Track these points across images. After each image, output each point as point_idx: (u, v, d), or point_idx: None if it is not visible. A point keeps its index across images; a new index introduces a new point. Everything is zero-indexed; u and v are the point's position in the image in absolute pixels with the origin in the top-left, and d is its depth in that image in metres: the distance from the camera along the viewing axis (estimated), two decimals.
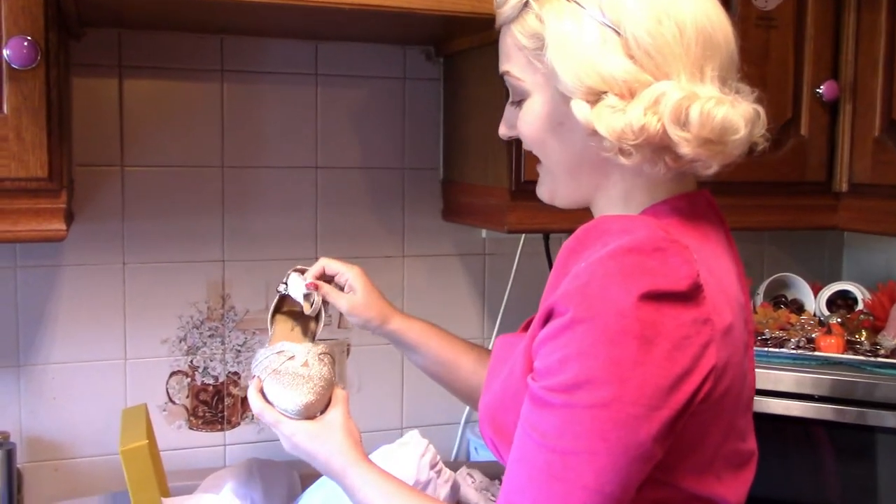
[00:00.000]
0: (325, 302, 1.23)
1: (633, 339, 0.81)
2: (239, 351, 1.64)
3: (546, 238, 1.74)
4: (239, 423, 1.66)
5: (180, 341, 1.61)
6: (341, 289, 1.24)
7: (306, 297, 1.20)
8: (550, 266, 1.79)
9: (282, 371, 1.09)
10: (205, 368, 1.63)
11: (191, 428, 1.63)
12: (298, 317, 1.26)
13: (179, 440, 1.62)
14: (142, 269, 1.58)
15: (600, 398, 0.81)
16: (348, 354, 1.71)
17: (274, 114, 1.63)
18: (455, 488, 1.26)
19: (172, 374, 1.61)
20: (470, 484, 1.35)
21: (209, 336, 1.62)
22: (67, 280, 1.54)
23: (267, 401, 1.08)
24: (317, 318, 1.24)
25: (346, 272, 1.25)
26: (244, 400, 1.65)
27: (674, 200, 0.95)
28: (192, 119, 1.58)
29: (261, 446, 1.67)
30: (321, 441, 1.04)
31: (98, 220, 1.54)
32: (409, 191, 1.73)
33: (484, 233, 1.78)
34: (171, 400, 1.61)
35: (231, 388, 1.64)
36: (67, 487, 1.55)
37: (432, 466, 1.23)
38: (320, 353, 1.11)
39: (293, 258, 1.66)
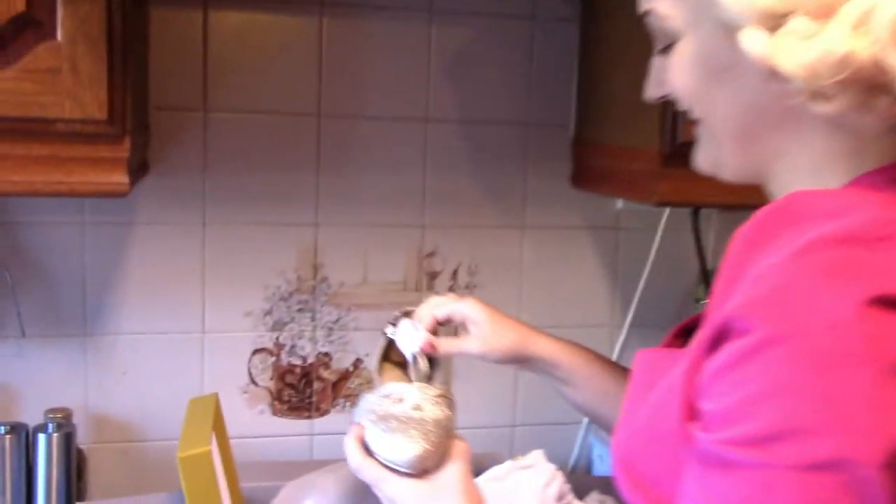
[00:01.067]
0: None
1: (859, 364, 0.56)
2: (331, 329, 1.43)
3: (695, 213, 1.47)
4: (329, 411, 1.45)
5: (265, 315, 1.41)
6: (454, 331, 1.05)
7: (414, 360, 1.00)
8: (699, 246, 1.53)
9: (388, 415, 0.89)
10: (292, 347, 1.42)
11: (274, 414, 1.43)
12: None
13: (261, 427, 1.43)
14: (224, 231, 1.37)
15: (813, 455, 0.56)
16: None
17: (380, 56, 1.40)
18: None
19: (256, 351, 1.41)
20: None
21: (298, 310, 1.42)
22: (140, 240, 1.35)
23: (369, 452, 0.89)
24: (431, 362, 1.03)
25: (462, 309, 1.03)
26: (336, 384, 1.44)
27: (893, 168, 0.68)
28: (286, 59, 1.36)
29: None
30: None
31: (176, 173, 1.35)
32: (533, 151, 1.48)
33: (619, 203, 1.52)
34: (253, 381, 1.41)
35: (321, 370, 1.44)
36: (136, 474, 1.38)
37: (559, 499, 0.99)
38: (436, 396, 0.92)
39: (396, 224, 1.43)
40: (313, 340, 1.43)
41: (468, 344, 1.01)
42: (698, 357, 0.64)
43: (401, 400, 0.90)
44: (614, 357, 1.54)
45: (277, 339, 1.42)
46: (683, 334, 0.88)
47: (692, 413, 0.64)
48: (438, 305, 1.03)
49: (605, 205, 1.52)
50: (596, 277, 1.54)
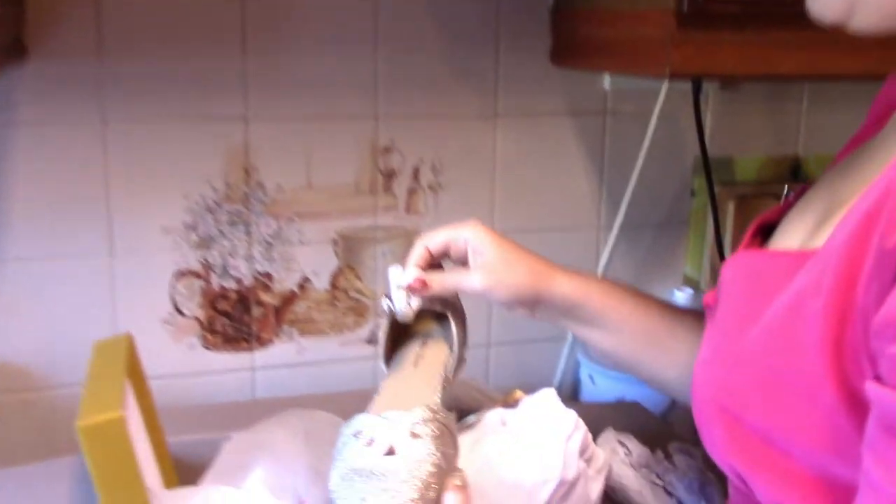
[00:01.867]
0: (449, 309, 0.83)
1: None
2: (270, 244, 1.19)
3: (697, 88, 1.24)
4: (272, 341, 1.22)
5: (188, 230, 1.16)
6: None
7: (394, 312, 0.81)
8: (701, 130, 1.31)
9: (352, 472, 0.67)
10: (224, 268, 1.18)
11: (207, 347, 1.20)
12: (427, 340, 0.86)
13: (191, 364, 1.20)
14: (130, 130, 1.11)
15: None
16: None
17: None
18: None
19: (179, 275, 1.17)
20: (623, 458, 0.90)
21: (229, 223, 1.17)
22: (22, 144, 1.08)
23: None
24: (447, 338, 0.84)
25: (461, 234, 0.81)
26: (279, 310, 1.21)
27: None
28: None
29: (304, 372, 1.24)
30: None
31: (63, 58, 1.07)
32: (505, 22, 1.23)
33: (607, 82, 1.28)
34: (178, 310, 1.18)
35: (261, 294, 1.20)
36: (46, 429, 1.14)
37: (582, 452, 0.78)
38: (423, 421, 0.70)
39: (344, 115, 1.18)
40: (249, 259, 1.19)
41: (470, 278, 0.79)
42: (867, 291, 0.45)
43: (370, 442, 0.68)
44: (602, 264, 1.33)
45: (205, 258, 1.17)
46: (762, 232, 0.69)
47: (840, 352, 0.46)
48: (432, 239, 0.81)
49: (591, 86, 1.28)
50: (580, 171, 1.31)
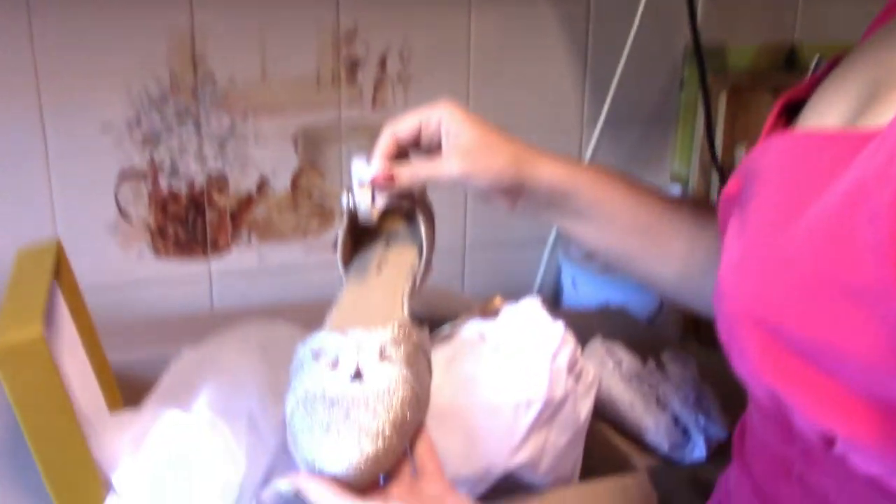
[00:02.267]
0: (417, 206, 0.74)
1: None
2: (223, 142, 1.09)
3: None
4: (230, 247, 1.13)
5: (131, 127, 1.05)
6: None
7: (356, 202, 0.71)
8: (692, 14, 1.19)
9: (319, 393, 0.59)
10: (172, 168, 1.08)
11: (157, 255, 1.10)
12: (391, 242, 0.77)
13: (141, 274, 1.10)
14: (60, 15, 0.99)
15: None
16: None
17: None
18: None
19: (123, 176, 1.06)
20: (613, 370, 0.83)
21: (176, 119, 1.06)
22: None
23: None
24: (414, 239, 0.75)
25: (432, 115, 0.71)
26: (236, 213, 1.12)
27: None
28: None
29: (265, 280, 1.15)
30: None
31: None
32: None
33: None
34: (123, 215, 1.07)
35: (215, 196, 1.10)
36: None
37: (570, 369, 0.70)
38: (391, 342, 0.61)
39: None
40: (200, 158, 1.08)
41: (446, 165, 0.69)
42: None
43: (333, 364, 0.59)
44: (585, 161, 1.24)
45: (151, 158, 1.07)
46: (787, 111, 0.59)
47: None
48: (400, 125, 0.71)
49: None
50: (562, 62, 1.20)
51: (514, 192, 0.70)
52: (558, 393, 0.67)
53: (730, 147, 1.24)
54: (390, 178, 0.68)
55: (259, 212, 1.12)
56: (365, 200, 0.69)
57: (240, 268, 1.14)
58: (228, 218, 1.11)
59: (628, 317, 1.09)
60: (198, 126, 1.07)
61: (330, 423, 0.57)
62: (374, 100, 1.13)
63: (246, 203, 1.12)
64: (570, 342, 0.69)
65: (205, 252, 1.12)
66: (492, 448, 0.67)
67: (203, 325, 1.01)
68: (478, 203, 1.20)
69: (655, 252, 0.72)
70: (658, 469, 0.79)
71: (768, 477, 0.54)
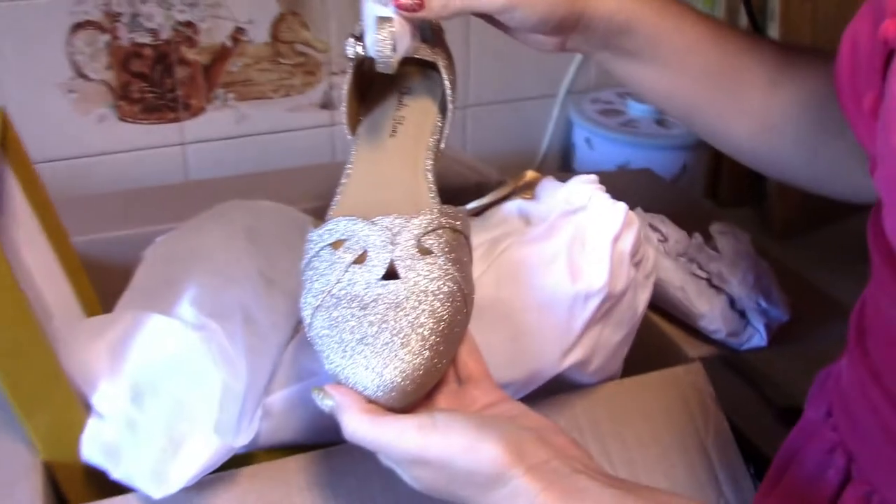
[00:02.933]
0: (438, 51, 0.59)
1: None
2: None
3: None
4: (204, 109, 0.99)
5: None
6: None
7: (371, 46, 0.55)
8: None
9: (346, 294, 0.48)
10: (134, 17, 0.92)
11: (122, 119, 0.96)
12: (404, 99, 0.63)
13: (105, 140, 0.96)
14: None
15: None
16: None
17: None
18: None
19: (76, 27, 0.91)
20: (658, 246, 0.72)
21: None
22: None
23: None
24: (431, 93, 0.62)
25: None
26: (210, 69, 0.97)
27: None
28: None
29: (245, 145, 1.02)
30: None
31: None
32: None
33: None
34: (80, 74, 0.93)
35: (184, 49, 0.95)
36: None
37: (633, 255, 0.59)
38: (431, 232, 0.50)
39: None
40: (165, 5, 0.93)
41: None
42: None
43: (361, 257, 0.48)
44: None
45: (107, 5, 0.91)
46: None
47: None
48: None
49: None
50: None
51: (566, 29, 0.57)
52: (620, 285, 0.57)
53: None
54: (419, 2, 0.55)
55: (235, 67, 0.98)
56: (385, 42, 0.55)
57: (217, 131, 1.00)
58: (201, 75, 0.97)
59: (655, 179, 0.98)
60: None
61: (364, 333, 0.46)
62: None
63: (220, 57, 0.97)
64: (634, 224, 0.58)
65: (176, 114, 0.98)
66: (542, 349, 0.57)
67: (177, 199, 0.90)
68: (482, 54, 1.07)
69: (728, 101, 0.60)
70: (713, 359, 0.70)
71: None
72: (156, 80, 0.95)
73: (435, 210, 0.50)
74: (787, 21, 1.09)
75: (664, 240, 0.74)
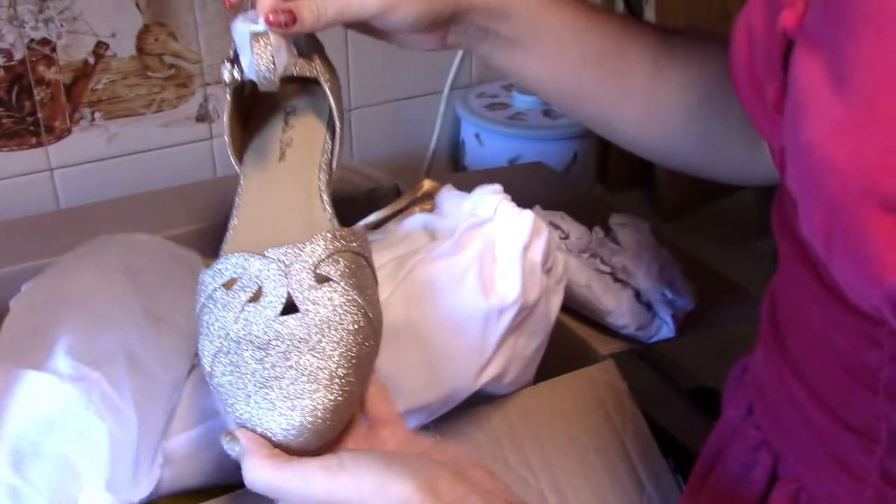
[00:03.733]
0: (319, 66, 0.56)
1: None
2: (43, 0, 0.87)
3: None
4: (70, 130, 0.93)
5: None
6: None
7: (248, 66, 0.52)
8: None
9: (244, 336, 0.44)
10: None
11: None
12: (290, 120, 0.60)
13: None
14: None
15: None
16: None
17: None
18: None
19: None
20: (559, 243, 0.71)
21: None
22: None
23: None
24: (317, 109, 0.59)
25: None
26: (72, 88, 0.91)
27: None
28: None
29: (119, 166, 0.96)
30: None
31: None
32: None
33: None
34: None
35: (41, 69, 0.89)
36: None
37: (544, 263, 0.57)
38: (327, 257, 0.46)
39: None
40: (15, 22, 0.86)
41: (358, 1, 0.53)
42: None
43: (256, 295, 0.45)
44: None
45: None
46: None
47: None
48: None
49: None
50: None
51: (443, 23, 0.56)
52: (533, 295, 0.55)
53: None
54: (291, 16, 0.51)
55: (101, 84, 0.92)
56: (263, 59, 0.51)
57: (86, 154, 0.94)
58: (63, 94, 0.90)
59: (550, 174, 0.97)
60: None
61: (267, 376, 0.43)
62: None
63: (83, 74, 0.91)
64: (543, 231, 0.56)
65: (39, 139, 0.91)
66: (458, 368, 0.54)
67: (48, 231, 0.84)
68: (361, 55, 1.03)
69: (612, 86, 0.59)
70: (625, 354, 0.69)
71: (834, 379, 0.44)
72: (13, 104, 0.88)
73: (328, 234, 0.47)
74: (661, 5, 1.09)
75: (565, 237, 0.73)
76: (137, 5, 0.90)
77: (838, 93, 0.36)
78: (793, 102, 0.40)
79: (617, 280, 0.71)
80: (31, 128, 0.90)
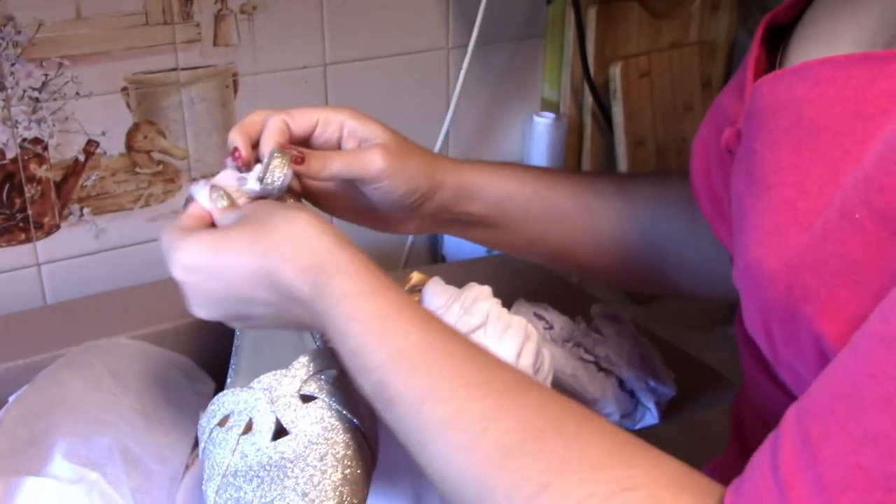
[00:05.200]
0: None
1: None
2: (36, 100, 0.89)
3: None
4: (58, 226, 0.94)
5: None
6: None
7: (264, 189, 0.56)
8: None
9: (240, 469, 0.47)
10: None
11: None
12: None
13: None
14: None
15: None
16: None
17: None
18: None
19: None
20: (544, 333, 0.74)
21: None
22: None
23: None
24: None
25: (334, 116, 0.61)
26: (62, 185, 0.93)
27: None
28: None
29: (106, 260, 0.97)
30: (265, 253, 0.49)
31: None
32: None
33: None
34: None
35: (33, 167, 0.91)
36: None
37: (534, 365, 0.60)
38: (308, 376, 0.50)
39: None
40: (9, 122, 0.89)
41: (364, 157, 0.60)
42: None
43: (247, 427, 0.47)
44: (456, 90, 1.12)
45: None
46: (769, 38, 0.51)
47: None
48: (292, 113, 0.59)
49: None
50: None
51: (426, 195, 0.62)
52: None
53: (602, 67, 1.16)
54: (301, 156, 0.56)
55: (90, 181, 0.94)
56: (276, 181, 0.54)
57: (73, 249, 0.96)
58: (53, 191, 0.92)
59: (528, 265, 1.00)
60: (1, 83, 0.87)
61: (266, 500, 0.45)
62: (215, 38, 0.96)
63: (73, 172, 0.93)
64: (533, 337, 0.59)
65: (28, 235, 0.93)
66: None
67: (35, 327, 0.85)
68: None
69: (581, 243, 0.65)
70: None
71: None
72: (3, 202, 0.90)
73: (306, 357, 0.50)
74: (628, 99, 1.15)
75: (549, 327, 0.76)
76: (128, 105, 0.93)
77: (763, 198, 0.41)
78: (735, 211, 0.45)
79: (601, 369, 0.74)
80: (21, 224, 0.92)
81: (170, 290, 0.90)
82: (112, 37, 0.91)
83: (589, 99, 1.17)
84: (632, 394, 0.73)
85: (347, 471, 0.45)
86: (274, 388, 0.48)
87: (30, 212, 0.92)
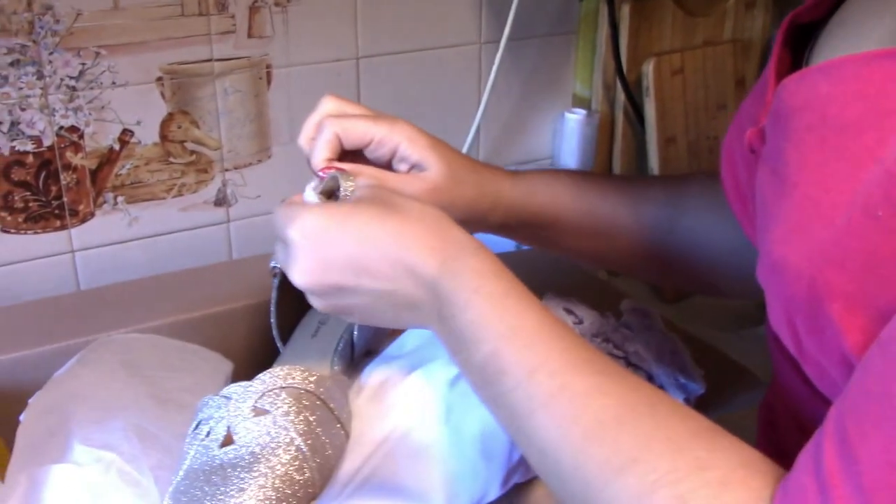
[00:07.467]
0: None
1: None
2: (73, 89, 0.90)
3: None
4: (93, 214, 0.95)
5: None
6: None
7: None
8: None
9: (194, 470, 0.51)
10: (13, 125, 0.89)
11: (6, 230, 0.92)
12: None
13: None
14: None
15: None
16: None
17: None
18: None
19: None
20: (574, 328, 0.74)
21: (11, 64, 0.87)
22: None
23: None
24: None
25: (391, 135, 0.61)
26: (97, 172, 0.94)
27: None
28: None
29: (139, 248, 0.98)
30: (397, 230, 0.52)
31: None
32: None
33: None
34: None
35: (69, 155, 0.92)
36: None
37: None
38: (268, 392, 0.53)
39: None
40: (46, 110, 0.90)
41: (413, 185, 0.59)
42: None
43: (209, 433, 0.52)
44: (488, 85, 1.12)
45: None
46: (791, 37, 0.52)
47: None
48: (344, 123, 0.59)
49: None
50: None
51: (480, 220, 0.65)
52: None
53: (635, 64, 1.16)
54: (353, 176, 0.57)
55: (124, 169, 0.95)
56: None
57: (107, 237, 0.97)
58: (88, 179, 0.94)
59: (554, 255, 0.99)
60: (39, 71, 0.88)
61: (213, 501, 0.47)
62: (249, 29, 0.97)
63: (108, 160, 0.94)
64: None
65: (63, 222, 0.94)
66: (488, 474, 0.57)
67: (69, 312, 0.86)
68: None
69: (633, 247, 0.67)
70: None
71: None
72: (40, 188, 0.91)
73: (279, 371, 0.52)
74: (660, 98, 1.14)
75: (579, 322, 0.76)
76: (162, 94, 0.94)
77: (787, 196, 0.41)
78: (760, 210, 0.45)
79: (630, 364, 0.74)
80: (56, 211, 0.93)
81: (198, 278, 0.92)
82: (148, 27, 0.91)
83: (621, 96, 1.16)
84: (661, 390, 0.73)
85: (276, 477, 0.48)
86: (235, 396, 0.51)
87: (65, 199, 0.93)
